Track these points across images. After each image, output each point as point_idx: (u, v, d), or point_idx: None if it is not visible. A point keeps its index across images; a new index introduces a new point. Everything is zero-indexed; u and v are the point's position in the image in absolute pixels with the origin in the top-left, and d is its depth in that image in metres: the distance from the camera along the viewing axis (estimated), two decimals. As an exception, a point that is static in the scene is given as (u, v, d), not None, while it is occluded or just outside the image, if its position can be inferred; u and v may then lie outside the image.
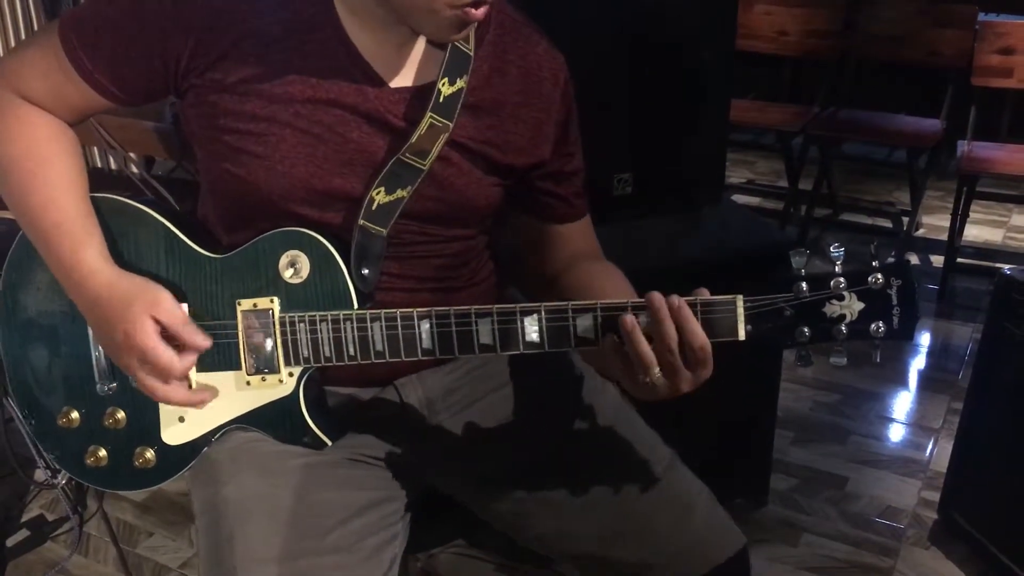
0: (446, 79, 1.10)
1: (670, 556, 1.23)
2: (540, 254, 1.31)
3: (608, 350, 1.03)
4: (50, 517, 2.30)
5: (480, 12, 1.02)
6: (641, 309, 1.02)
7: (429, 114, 1.10)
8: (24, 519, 2.30)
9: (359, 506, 1.18)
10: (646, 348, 1.00)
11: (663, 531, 1.24)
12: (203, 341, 1.11)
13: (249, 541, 1.10)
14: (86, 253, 1.11)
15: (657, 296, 1.00)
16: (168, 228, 1.16)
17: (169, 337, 1.10)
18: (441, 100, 1.10)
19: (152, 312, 1.09)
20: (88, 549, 2.22)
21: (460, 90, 1.11)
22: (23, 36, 3.59)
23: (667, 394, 1.04)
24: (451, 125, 1.11)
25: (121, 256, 1.15)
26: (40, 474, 2.14)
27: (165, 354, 1.09)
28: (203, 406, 1.14)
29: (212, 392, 1.14)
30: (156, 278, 1.14)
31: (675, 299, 1.00)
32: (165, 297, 1.10)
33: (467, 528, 1.68)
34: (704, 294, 1.01)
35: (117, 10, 1.08)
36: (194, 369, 1.13)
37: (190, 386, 1.14)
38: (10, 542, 2.20)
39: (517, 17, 1.19)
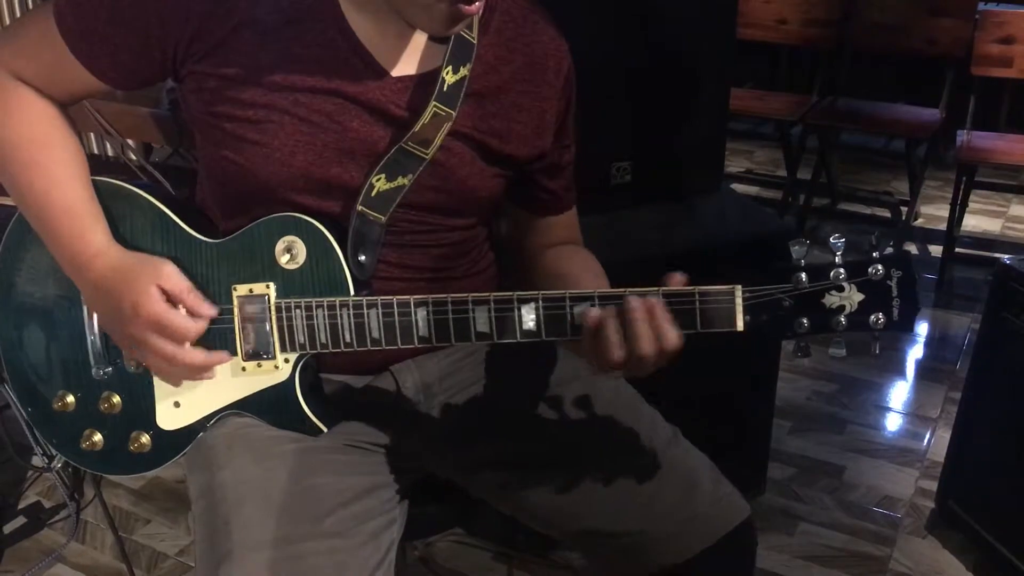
0: (450, 67, 1.09)
1: (675, 529, 1.22)
2: (520, 241, 1.32)
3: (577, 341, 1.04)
4: (47, 504, 2.31)
5: (474, 7, 1.01)
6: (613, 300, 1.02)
7: (433, 103, 1.09)
8: (21, 506, 2.30)
9: (356, 491, 1.17)
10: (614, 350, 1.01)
11: (668, 504, 1.23)
12: (208, 309, 1.11)
13: (245, 525, 1.10)
14: (93, 236, 1.12)
15: (633, 299, 1.00)
16: (164, 212, 1.16)
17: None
18: (445, 89, 1.09)
19: (157, 282, 1.09)
20: (85, 536, 2.22)
21: (463, 78, 1.10)
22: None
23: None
24: (454, 114, 1.10)
25: (118, 239, 1.15)
26: (37, 460, 2.14)
27: (177, 317, 1.09)
28: (213, 372, 1.14)
29: (227, 355, 1.13)
30: (152, 262, 1.14)
31: (651, 300, 1.00)
32: (169, 267, 1.11)
33: (465, 516, 1.68)
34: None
35: None
36: (190, 354, 1.13)
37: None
38: (7, 528, 2.20)
39: (524, 2, 1.18)
